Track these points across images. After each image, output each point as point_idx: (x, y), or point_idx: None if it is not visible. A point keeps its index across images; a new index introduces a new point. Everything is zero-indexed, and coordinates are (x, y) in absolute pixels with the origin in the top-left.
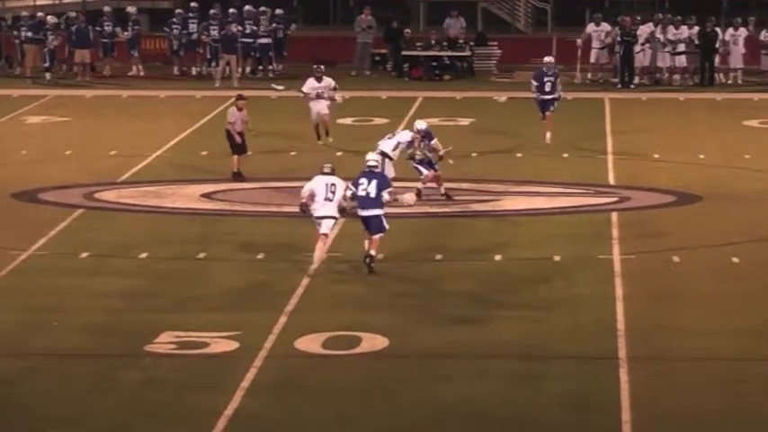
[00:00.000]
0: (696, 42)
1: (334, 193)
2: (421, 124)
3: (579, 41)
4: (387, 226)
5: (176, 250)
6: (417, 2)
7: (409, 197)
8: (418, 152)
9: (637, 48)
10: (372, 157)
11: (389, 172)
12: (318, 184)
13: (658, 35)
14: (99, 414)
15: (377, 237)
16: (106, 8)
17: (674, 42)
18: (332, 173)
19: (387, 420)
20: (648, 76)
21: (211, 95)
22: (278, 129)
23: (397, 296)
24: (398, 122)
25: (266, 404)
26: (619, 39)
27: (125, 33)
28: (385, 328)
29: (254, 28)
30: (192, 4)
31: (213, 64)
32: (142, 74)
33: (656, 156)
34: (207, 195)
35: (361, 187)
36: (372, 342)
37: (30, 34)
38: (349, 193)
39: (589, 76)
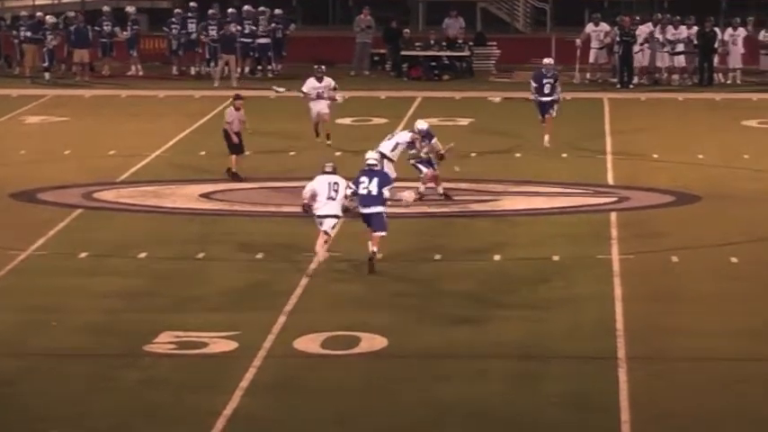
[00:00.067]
0: (695, 42)
1: (336, 191)
2: (422, 124)
3: (578, 41)
4: (387, 227)
5: (175, 250)
6: (416, 2)
7: (408, 195)
8: (423, 153)
9: (636, 48)
10: (372, 156)
11: (390, 173)
12: (320, 184)
13: (657, 35)
14: (98, 414)
15: (378, 234)
16: (105, 8)
17: (673, 42)
18: (333, 172)
19: (386, 420)
20: (647, 76)
21: (210, 95)
22: (277, 129)
23: (396, 296)
24: (397, 122)
25: (265, 404)
26: (618, 39)
27: (124, 33)
28: (384, 328)
29: (253, 28)
30: (191, 3)
31: (212, 64)
32: (141, 74)
33: (655, 156)
34: (206, 195)
35: (362, 186)
36: (371, 342)
37: (29, 34)
38: (349, 191)
39: (588, 76)
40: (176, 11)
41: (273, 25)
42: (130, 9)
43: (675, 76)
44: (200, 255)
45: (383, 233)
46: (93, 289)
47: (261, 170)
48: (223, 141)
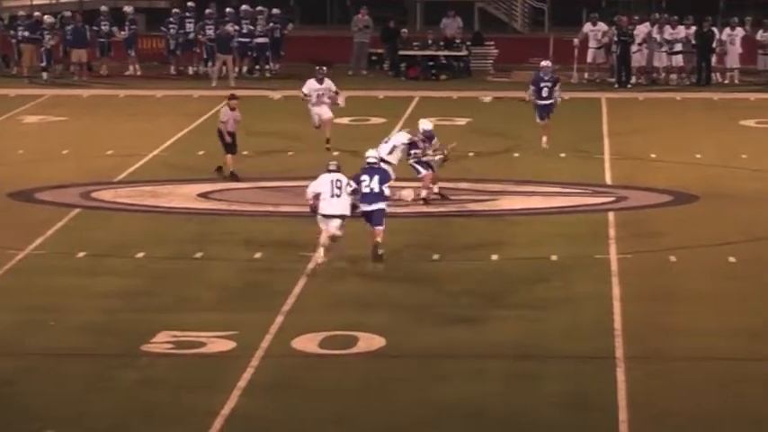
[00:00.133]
0: (693, 42)
1: (340, 188)
2: (426, 124)
3: (576, 41)
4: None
5: (173, 250)
6: (414, 2)
7: (408, 193)
8: (429, 153)
9: (634, 47)
10: (372, 154)
11: (390, 174)
12: (323, 183)
13: (655, 35)
14: (96, 414)
15: (380, 229)
16: (103, 8)
17: (671, 42)
18: (337, 170)
19: (384, 420)
20: (645, 76)
21: (208, 95)
22: (275, 128)
23: (393, 296)
24: (395, 122)
25: (263, 404)
26: (616, 38)
27: (122, 33)
28: (382, 328)
29: (251, 27)
30: (189, 3)
31: (210, 63)
32: (139, 73)
33: (653, 155)
34: (204, 195)
35: (363, 184)
36: (369, 342)
37: (26, 34)
38: (350, 189)
39: (586, 75)
40: (174, 11)
41: (271, 25)
42: (128, 9)
43: (673, 76)
44: (198, 254)
45: (383, 228)
46: (91, 289)
47: (260, 170)
48: (219, 141)
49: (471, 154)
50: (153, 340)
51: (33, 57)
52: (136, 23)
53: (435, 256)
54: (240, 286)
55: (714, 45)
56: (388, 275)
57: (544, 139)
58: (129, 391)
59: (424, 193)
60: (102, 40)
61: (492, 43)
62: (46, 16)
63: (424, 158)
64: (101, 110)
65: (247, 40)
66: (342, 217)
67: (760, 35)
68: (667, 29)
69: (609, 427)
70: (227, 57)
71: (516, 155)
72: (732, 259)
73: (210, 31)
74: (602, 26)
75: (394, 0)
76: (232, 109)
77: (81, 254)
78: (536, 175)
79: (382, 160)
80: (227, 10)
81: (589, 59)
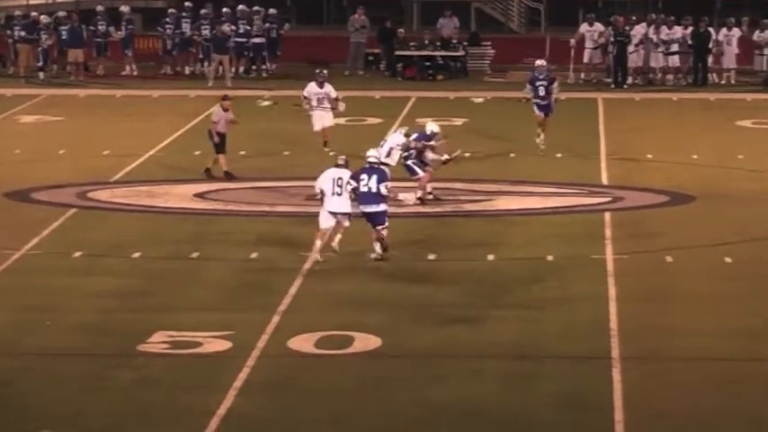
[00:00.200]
0: (689, 42)
1: (341, 186)
2: (435, 127)
3: (572, 41)
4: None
5: (169, 250)
6: (411, 2)
7: (409, 196)
8: (435, 152)
9: (630, 48)
10: (372, 153)
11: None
12: (326, 181)
13: (652, 35)
14: (92, 413)
15: (381, 227)
16: (99, 7)
17: (668, 42)
18: (345, 165)
19: (380, 420)
20: (642, 77)
21: (205, 95)
22: (272, 129)
23: (390, 296)
24: (392, 122)
25: (259, 404)
26: (612, 39)
27: (118, 33)
28: (378, 328)
29: (248, 27)
30: (186, 3)
31: (206, 63)
32: (135, 73)
33: (650, 156)
34: (200, 195)
35: (362, 183)
36: (365, 342)
37: (23, 34)
38: (349, 188)
39: (582, 76)
40: (170, 10)
41: (268, 25)
42: (125, 9)
43: (670, 77)
44: (195, 254)
45: (385, 224)
46: (88, 288)
47: (255, 170)
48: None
49: (468, 154)
50: (149, 340)
51: (30, 57)
52: (132, 23)
53: (432, 256)
54: (236, 286)
55: (711, 45)
56: (384, 275)
57: (541, 136)
58: (126, 390)
59: (419, 194)
60: (98, 39)
61: (488, 43)
62: (42, 16)
63: (429, 159)
64: (97, 110)
65: (244, 40)
66: (344, 214)
67: (756, 35)
68: (664, 29)
69: (605, 427)
70: (223, 57)
71: (513, 155)
72: (728, 260)
73: (207, 31)
74: (598, 26)
75: (390, 0)
76: (225, 110)
77: (77, 254)
78: (532, 175)
79: (381, 163)
80: (224, 10)
81: (585, 60)
